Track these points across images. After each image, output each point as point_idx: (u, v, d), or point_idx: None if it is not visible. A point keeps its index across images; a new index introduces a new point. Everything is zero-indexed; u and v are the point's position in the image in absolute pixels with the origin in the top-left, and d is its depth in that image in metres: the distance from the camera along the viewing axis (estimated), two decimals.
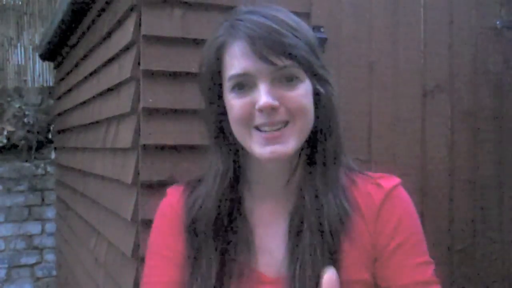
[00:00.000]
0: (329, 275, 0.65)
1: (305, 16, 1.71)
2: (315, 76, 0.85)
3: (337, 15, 1.78)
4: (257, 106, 0.80)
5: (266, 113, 0.80)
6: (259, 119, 0.81)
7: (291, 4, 1.65)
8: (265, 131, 0.82)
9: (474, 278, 1.96)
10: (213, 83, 0.88)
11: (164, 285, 0.90)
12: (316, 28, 1.72)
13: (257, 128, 0.82)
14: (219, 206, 0.88)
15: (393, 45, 1.87)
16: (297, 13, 1.72)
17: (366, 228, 0.85)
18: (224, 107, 0.88)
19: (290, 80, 0.82)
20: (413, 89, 1.90)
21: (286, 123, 0.82)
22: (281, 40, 0.80)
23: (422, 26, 1.91)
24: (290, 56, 0.81)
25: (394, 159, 1.85)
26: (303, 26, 0.88)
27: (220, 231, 0.88)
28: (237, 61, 0.82)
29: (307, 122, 0.85)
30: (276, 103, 0.80)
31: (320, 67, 0.86)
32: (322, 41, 1.72)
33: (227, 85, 0.85)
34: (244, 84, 0.83)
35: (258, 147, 0.83)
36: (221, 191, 0.88)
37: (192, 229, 0.90)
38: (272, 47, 0.79)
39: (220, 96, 0.89)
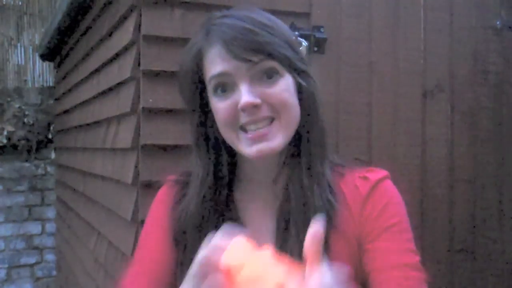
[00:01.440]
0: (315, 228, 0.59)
1: (305, 16, 1.71)
2: (295, 70, 0.86)
3: (337, 15, 1.78)
4: (239, 106, 0.81)
5: (249, 111, 0.82)
6: (243, 118, 0.83)
7: (291, 4, 1.65)
8: (251, 130, 0.83)
9: (474, 278, 1.96)
10: (195, 89, 0.89)
11: (154, 263, 0.92)
12: (316, 28, 1.72)
13: (243, 128, 0.84)
14: (203, 211, 0.89)
15: (393, 45, 1.87)
16: (297, 13, 1.73)
17: (352, 220, 0.86)
18: (208, 112, 0.90)
19: (270, 77, 0.83)
20: (413, 89, 1.90)
21: (271, 120, 0.84)
22: (255, 38, 0.81)
23: (422, 26, 1.91)
24: (265, 52, 0.82)
25: (394, 159, 1.85)
26: (279, 24, 0.88)
27: (208, 234, 0.89)
28: (214, 64, 0.84)
29: (293, 116, 0.86)
30: (257, 100, 0.81)
31: (299, 61, 0.87)
32: (322, 41, 1.72)
33: (209, 89, 0.87)
34: (225, 86, 0.84)
35: (245, 147, 0.84)
36: (201, 196, 0.90)
37: (180, 236, 0.91)
38: (246, 46, 0.81)
39: (203, 102, 0.90)
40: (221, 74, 0.83)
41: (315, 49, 1.71)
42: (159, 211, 0.97)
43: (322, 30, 1.73)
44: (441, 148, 1.93)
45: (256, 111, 0.82)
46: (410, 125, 1.89)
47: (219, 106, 0.85)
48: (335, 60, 1.76)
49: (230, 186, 0.93)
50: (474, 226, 1.97)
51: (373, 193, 0.88)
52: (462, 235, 1.95)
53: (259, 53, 0.81)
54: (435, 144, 1.92)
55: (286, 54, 0.84)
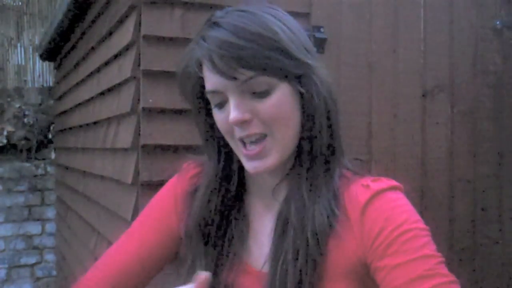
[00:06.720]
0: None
1: (305, 16, 1.71)
2: (291, 77, 0.81)
3: (337, 15, 1.78)
4: (229, 122, 0.81)
5: (240, 127, 0.81)
6: (237, 133, 0.82)
7: (291, 4, 1.65)
8: (246, 144, 0.83)
9: (474, 278, 1.96)
10: (199, 93, 0.89)
11: (141, 242, 0.97)
12: (316, 28, 1.72)
13: (241, 141, 0.83)
14: (207, 211, 0.91)
15: (393, 45, 1.87)
16: (297, 13, 1.72)
17: (352, 232, 0.82)
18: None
19: (260, 92, 0.80)
20: (413, 89, 1.90)
21: (264, 136, 0.82)
22: (240, 54, 0.77)
23: (422, 26, 1.91)
24: (253, 67, 0.78)
25: (394, 159, 1.85)
26: (272, 28, 0.81)
27: (214, 227, 0.92)
28: (207, 79, 0.83)
29: (288, 131, 0.83)
30: (246, 116, 0.80)
31: (295, 67, 0.81)
32: (322, 41, 1.72)
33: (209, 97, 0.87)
34: (220, 99, 0.83)
35: (244, 161, 0.85)
36: (207, 196, 0.92)
37: (188, 232, 0.94)
38: (231, 64, 0.77)
39: (209, 105, 0.89)
40: (213, 91, 0.83)
41: (315, 49, 1.71)
42: (170, 204, 0.99)
43: (322, 30, 1.73)
44: (441, 148, 1.93)
45: (246, 126, 0.80)
46: (410, 125, 1.89)
47: (218, 117, 0.85)
48: (335, 60, 1.76)
49: (242, 182, 0.95)
50: (474, 226, 1.97)
51: (373, 202, 0.82)
52: (462, 235, 1.95)
53: (246, 68, 0.77)
54: (435, 144, 1.92)
55: (278, 65, 0.79)
